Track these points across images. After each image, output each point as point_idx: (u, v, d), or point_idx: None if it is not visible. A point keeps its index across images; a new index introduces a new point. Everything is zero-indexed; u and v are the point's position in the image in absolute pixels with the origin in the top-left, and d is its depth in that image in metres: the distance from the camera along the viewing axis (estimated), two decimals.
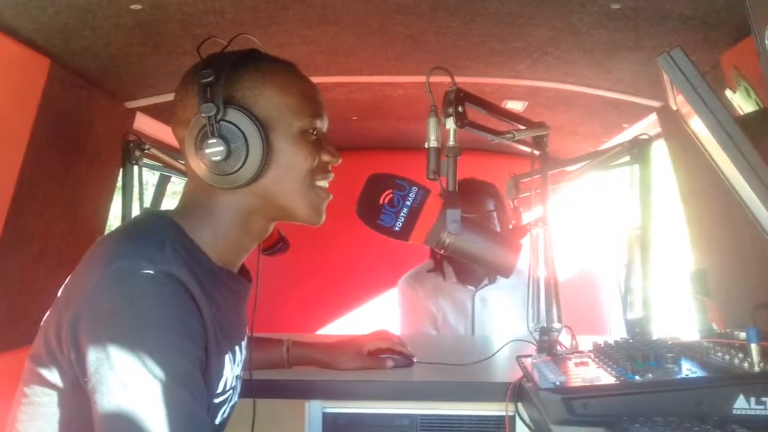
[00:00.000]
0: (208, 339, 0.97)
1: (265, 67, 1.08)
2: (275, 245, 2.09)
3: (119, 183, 2.08)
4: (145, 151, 1.89)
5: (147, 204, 2.09)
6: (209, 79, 1.00)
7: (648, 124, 2.18)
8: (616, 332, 2.86)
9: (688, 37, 1.45)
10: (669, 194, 2.05)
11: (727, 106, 1.23)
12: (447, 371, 1.58)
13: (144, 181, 1.97)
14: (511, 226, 2.35)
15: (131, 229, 1.03)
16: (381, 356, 1.59)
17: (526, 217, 1.83)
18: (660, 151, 2.06)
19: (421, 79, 2.08)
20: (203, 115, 1.00)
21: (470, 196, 2.42)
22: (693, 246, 1.96)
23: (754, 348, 1.09)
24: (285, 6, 1.47)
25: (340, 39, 1.72)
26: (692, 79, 0.88)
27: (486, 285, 2.45)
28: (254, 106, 1.04)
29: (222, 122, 1.01)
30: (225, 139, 1.00)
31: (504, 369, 1.66)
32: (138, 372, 0.86)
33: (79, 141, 1.86)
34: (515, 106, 2.29)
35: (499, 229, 2.43)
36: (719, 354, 1.20)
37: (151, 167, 1.98)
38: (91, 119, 1.91)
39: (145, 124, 2.19)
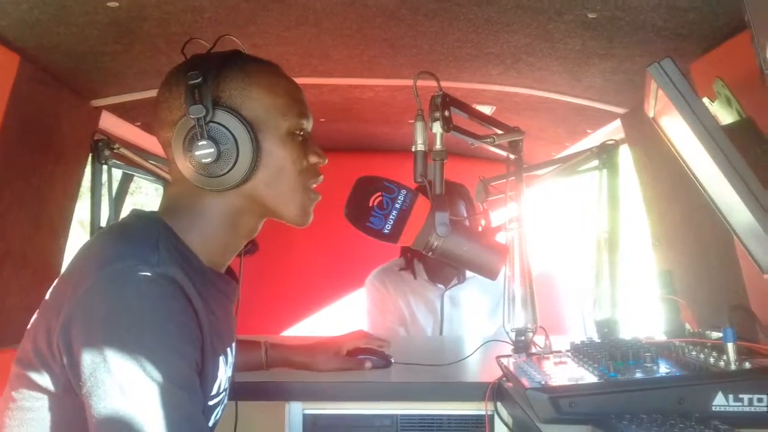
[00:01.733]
0: (204, 341, 0.96)
1: (250, 68, 1.07)
2: (244, 247, 2.08)
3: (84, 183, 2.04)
4: (114, 151, 1.85)
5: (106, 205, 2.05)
6: (197, 81, 0.99)
7: (611, 130, 2.24)
8: (574, 333, 2.93)
9: (659, 47, 1.50)
10: (632, 198, 2.11)
11: None
12: (425, 372, 1.60)
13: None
14: (480, 228, 2.40)
15: (123, 230, 1.01)
16: (359, 357, 1.60)
17: (495, 220, 1.87)
18: (622, 157, 2.11)
19: (393, 82, 2.11)
20: (192, 116, 0.99)
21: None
22: (655, 248, 2.02)
23: (730, 347, 1.13)
24: (265, 6, 1.46)
25: (317, 41, 1.72)
26: (681, 88, 0.92)
27: (456, 284, 2.47)
28: (242, 107, 1.03)
29: (211, 124, 1.00)
30: (215, 141, 0.99)
31: (480, 368, 1.69)
32: (136, 375, 0.84)
33: (45, 139, 1.82)
34: (483, 110, 2.32)
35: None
36: (693, 353, 1.24)
37: (119, 167, 1.94)
38: (58, 117, 1.86)
39: (110, 123, 2.15)
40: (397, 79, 2.01)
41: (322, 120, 2.63)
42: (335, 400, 1.50)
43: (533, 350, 1.53)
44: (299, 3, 1.45)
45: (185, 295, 0.92)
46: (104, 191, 1.99)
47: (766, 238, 0.89)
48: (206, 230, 1.04)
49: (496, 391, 1.43)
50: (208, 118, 0.99)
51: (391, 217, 1.15)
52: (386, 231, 1.15)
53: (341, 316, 3.02)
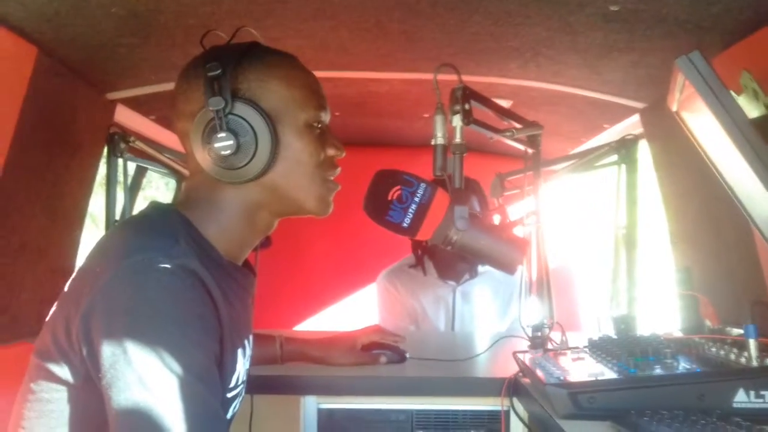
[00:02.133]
0: (223, 333, 0.96)
1: (269, 60, 1.07)
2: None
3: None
4: (130, 144, 1.85)
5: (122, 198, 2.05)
6: (216, 72, 0.99)
7: (628, 125, 2.22)
8: (588, 328, 2.91)
9: (681, 41, 1.48)
10: (651, 194, 2.09)
11: None
12: (440, 367, 1.60)
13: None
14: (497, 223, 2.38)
15: (143, 222, 1.01)
16: (374, 352, 1.59)
17: (511, 215, 1.86)
18: (641, 152, 2.10)
19: (410, 75, 2.10)
20: (211, 108, 0.98)
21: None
22: (674, 245, 2.00)
23: (752, 343, 1.12)
24: None
25: (334, 34, 1.71)
26: (710, 81, 0.90)
27: (467, 280, 2.46)
28: (261, 99, 1.03)
29: (230, 116, 1.00)
30: (234, 133, 0.99)
31: (496, 364, 1.68)
32: (156, 367, 0.84)
33: (61, 132, 1.82)
34: (500, 104, 2.30)
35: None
36: (713, 350, 1.23)
37: (134, 160, 1.94)
38: (74, 110, 1.86)
39: (125, 116, 2.15)
40: (414, 72, 1.99)
41: (338, 114, 2.62)
42: (350, 395, 1.50)
43: (549, 346, 1.52)
44: None
45: (205, 287, 0.92)
46: (120, 186, 1.99)
47: None
48: (224, 223, 1.04)
49: (513, 387, 1.42)
50: (227, 110, 0.99)
51: (410, 210, 1.14)
52: (405, 225, 1.15)
53: (355, 311, 3.02)
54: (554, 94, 2.09)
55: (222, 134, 0.99)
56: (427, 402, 1.51)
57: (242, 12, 1.51)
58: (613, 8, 1.38)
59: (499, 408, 1.44)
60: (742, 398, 1.07)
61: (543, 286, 1.59)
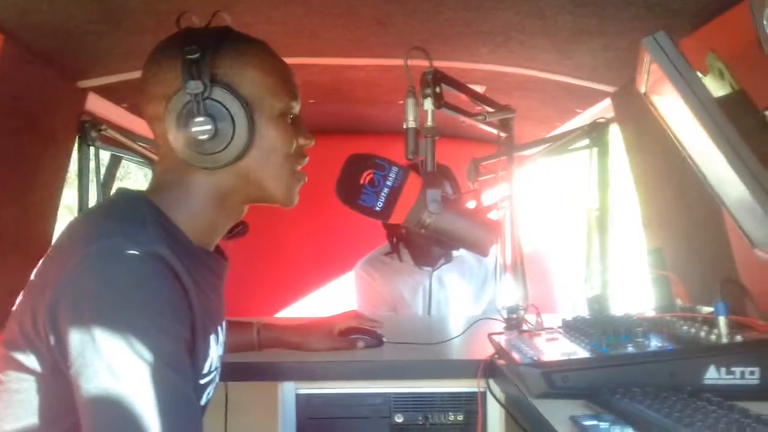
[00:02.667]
0: (194, 319, 0.95)
1: (244, 47, 1.06)
2: (234, 229, 2.06)
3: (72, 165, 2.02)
4: (102, 133, 1.83)
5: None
6: (195, 56, 0.97)
7: (600, 109, 2.24)
8: (564, 310, 2.94)
9: (650, 23, 1.50)
10: (622, 177, 2.12)
11: None
12: (417, 350, 1.60)
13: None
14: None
15: (109, 208, 1.00)
16: (351, 336, 1.60)
17: (487, 200, 1.87)
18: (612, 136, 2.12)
19: (384, 62, 2.09)
20: (189, 92, 0.97)
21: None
22: (646, 226, 2.03)
23: (722, 321, 1.14)
24: None
25: (306, 20, 1.70)
26: (676, 61, 0.92)
27: (442, 264, 2.48)
28: (237, 85, 1.01)
29: (208, 101, 0.99)
30: (212, 118, 0.98)
31: (472, 347, 1.69)
32: (125, 354, 0.83)
33: (31, 121, 1.79)
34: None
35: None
36: (684, 328, 1.25)
37: (106, 149, 1.92)
38: (44, 99, 1.84)
39: (97, 104, 2.12)
40: (388, 58, 1.99)
41: (312, 101, 2.61)
42: (328, 380, 1.50)
43: (525, 328, 1.54)
44: None
45: (174, 273, 0.91)
46: (92, 175, 1.97)
47: (761, 212, 0.89)
48: (194, 208, 1.03)
49: (488, 369, 1.43)
50: (205, 95, 0.98)
51: (382, 194, 1.15)
52: (378, 208, 1.15)
53: (334, 297, 3.02)
54: (527, 79, 2.10)
55: (200, 118, 0.98)
56: (404, 385, 1.51)
57: None
58: None
59: (476, 389, 1.45)
60: (713, 375, 1.09)
61: (517, 268, 1.60)
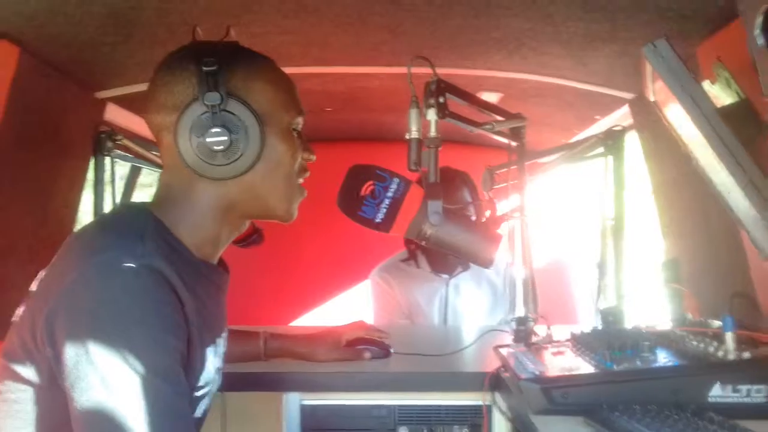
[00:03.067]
0: (190, 333, 0.95)
1: (255, 61, 1.07)
2: (249, 237, 2.07)
3: (90, 175, 2.05)
4: (117, 143, 1.85)
5: (119, 197, 2.06)
6: (212, 68, 0.98)
7: (619, 116, 2.20)
8: (585, 321, 2.89)
9: (663, 29, 1.46)
10: (641, 186, 2.07)
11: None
12: (424, 362, 1.59)
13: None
14: (485, 218, 2.38)
15: (109, 221, 1.01)
16: (358, 347, 1.59)
17: (501, 209, 1.85)
18: (631, 143, 2.08)
19: (397, 70, 2.08)
20: (207, 103, 0.98)
21: (444, 184, 2.43)
22: (664, 236, 1.99)
23: (729, 336, 1.11)
24: None
25: (317, 29, 1.70)
26: (676, 69, 0.89)
27: (460, 272, 2.46)
28: (249, 98, 1.02)
29: (224, 112, 0.99)
30: (228, 129, 0.99)
31: (480, 359, 1.67)
32: (119, 368, 0.84)
33: (48, 132, 1.82)
34: (489, 97, 2.29)
35: (474, 219, 2.45)
36: (694, 342, 1.22)
37: (123, 159, 1.94)
38: (61, 110, 1.87)
39: (115, 114, 2.15)
40: (401, 66, 1.98)
41: (329, 109, 2.62)
42: (333, 391, 1.50)
43: (533, 340, 1.51)
44: None
45: (170, 286, 0.92)
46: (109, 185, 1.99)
47: (763, 222, 0.86)
48: (197, 221, 1.04)
49: (494, 382, 1.41)
50: (222, 107, 0.99)
51: (383, 205, 1.14)
52: (378, 220, 1.14)
53: (349, 306, 3.01)
54: (543, 85, 2.08)
55: (216, 129, 0.98)
56: (410, 397, 1.50)
57: (220, 9, 1.51)
58: None
59: (482, 403, 1.43)
60: (717, 392, 1.06)
61: (528, 280, 1.58)
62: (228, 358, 1.42)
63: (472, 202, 2.39)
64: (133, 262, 0.88)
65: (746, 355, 1.09)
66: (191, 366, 0.97)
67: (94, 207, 1.87)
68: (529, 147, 2.82)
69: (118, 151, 1.89)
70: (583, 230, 3.13)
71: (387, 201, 1.14)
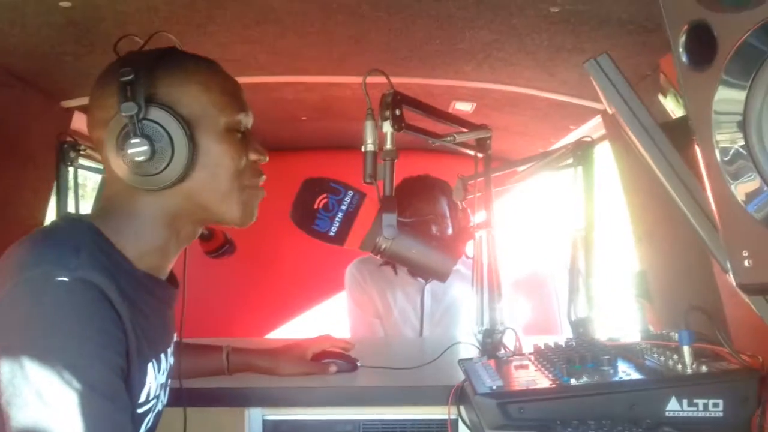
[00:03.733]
0: (129, 347, 0.93)
1: (186, 64, 1.05)
2: (221, 247, 2.05)
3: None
4: (81, 152, 1.83)
5: (89, 206, 2.04)
6: (129, 78, 0.96)
7: (593, 126, 2.20)
8: (567, 331, 2.88)
9: (627, 41, 1.46)
10: (614, 196, 2.07)
11: (662, 111, 1.25)
12: (391, 375, 1.57)
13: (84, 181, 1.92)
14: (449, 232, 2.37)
15: (45, 234, 0.98)
16: (324, 361, 1.57)
17: (476, 218, 1.84)
18: (606, 153, 2.08)
19: (368, 79, 2.07)
20: (124, 114, 0.96)
21: (424, 192, 2.43)
22: (637, 246, 1.98)
23: (686, 350, 1.10)
24: (221, 5, 1.43)
25: (283, 39, 1.68)
26: (618, 85, 0.88)
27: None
28: (177, 103, 1.01)
29: (144, 121, 0.97)
30: (149, 139, 0.97)
31: (447, 372, 1.65)
32: (55, 383, 0.82)
33: (12, 142, 1.80)
34: (464, 107, 2.28)
35: (451, 228, 2.44)
36: (654, 356, 1.21)
37: (88, 168, 1.92)
38: (26, 119, 1.84)
39: (83, 123, 2.13)
40: (372, 76, 1.97)
41: (304, 118, 2.60)
42: (297, 406, 1.48)
43: (501, 353, 1.50)
44: (256, 2, 1.42)
45: (107, 299, 0.90)
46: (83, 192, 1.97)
47: (707, 238, 0.85)
48: (141, 232, 1.02)
49: (460, 395, 1.40)
50: (141, 116, 0.97)
51: (336, 219, 1.12)
52: (332, 233, 1.13)
53: (326, 317, 2.99)
54: (515, 95, 2.07)
55: (135, 140, 0.97)
56: (376, 412, 1.48)
57: (182, 19, 1.49)
58: (554, 9, 1.36)
59: (447, 417, 1.41)
60: (674, 407, 1.05)
61: (494, 292, 1.57)
62: (190, 373, 1.41)
63: (435, 215, 2.38)
64: (66, 276, 0.86)
65: (703, 368, 1.08)
66: (131, 381, 0.95)
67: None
68: (506, 156, 2.85)
69: (83, 161, 1.87)
70: (559, 240, 3.13)
71: (341, 214, 1.12)
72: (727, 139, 0.60)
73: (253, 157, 1.09)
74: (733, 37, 0.58)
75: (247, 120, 1.10)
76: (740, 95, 0.57)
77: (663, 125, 0.89)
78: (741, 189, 0.60)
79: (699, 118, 0.62)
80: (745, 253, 0.60)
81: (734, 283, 0.65)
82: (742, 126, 0.57)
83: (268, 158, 1.11)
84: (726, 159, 0.60)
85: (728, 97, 0.58)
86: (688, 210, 0.83)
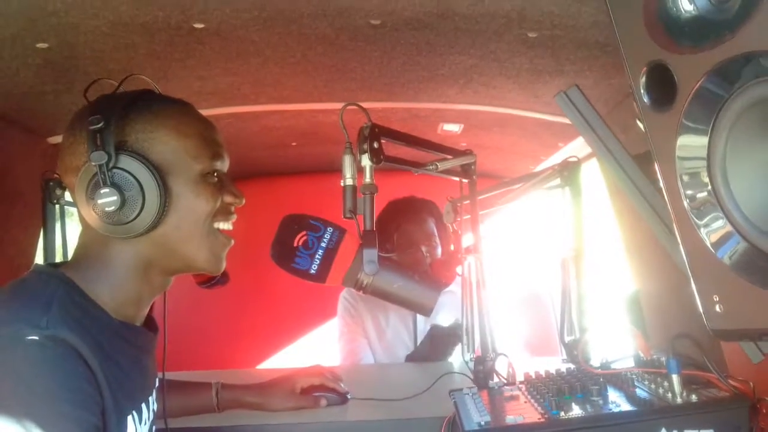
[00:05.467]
0: (105, 403, 0.91)
1: (158, 109, 1.03)
2: (213, 278, 2.03)
3: None
4: (67, 189, 1.82)
5: (72, 243, 2.02)
6: (99, 125, 0.95)
7: (582, 143, 2.18)
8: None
9: (606, 62, 1.46)
10: (603, 215, 2.05)
11: (640, 134, 1.23)
12: (382, 407, 1.55)
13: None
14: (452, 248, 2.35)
15: (15, 289, 0.96)
16: (315, 394, 1.55)
17: (466, 241, 1.82)
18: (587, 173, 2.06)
19: (351, 107, 2.06)
20: (93, 163, 0.95)
21: (411, 214, 2.41)
22: (630, 264, 1.96)
23: (675, 379, 1.08)
24: (200, 40, 1.43)
25: (265, 70, 1.68)
26: (588, 116, 0.87)
27: None
28: (149, 150, 0.99)
29: (115, 170, 0.96)
30: (118, 188, 0.95)
31: (439, 402, 1.62)
32: None
33: None
34: (452, 128, 2.28)
35: (440, 249, 2.43)
36: (645, 383, 1.19)
37: (74, 205, 1.91)
38: (10, 158, 1.84)
39: None
40: (354, 103, 1.97)
41: (294, 144, 2.60)
42: None
43: (493, 381, 1.47)
44: (234, 36, 1.42)
45: (79, 356, 0.88)
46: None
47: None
48: (115, 281, 1.00)
49: (452, 427, 1.37)
50: (110, 164, 0.95)
51: (317, 256, 1.11)
52: (313, 271, 1.11)
53: (319, 344, 2.97)
54: (502, 116, 2.07)
55: (105, 190, 0.95)
56: None
57: (161, 54, 1.49)
58: (532, 35, 1.36)
59: None
60: None
61: (484, 318, 1.55)
62: (180, 412, 1.39)
63: (424, 235, 2.37)
64: (37, 335, 0.85)
65: (693, 397, 1.06)
66: None
67: (44, 256, 1.84)
68: (497, 174, 2.83)
69: (69, 198, 1.86)
70: (551, 260, 3.10)
71: (321, 251, 1.11)
72: (692, 184, 0.59)
73: (228, 199, 1.08)
74: (691, 79, 0.57)
75: (223, 165, 1.08)
76: (702, 140, 0.56)
77: (639, 156, 0.87)
78: (710, 235, 0.59)
79: (663, 162, 0.60)
80: (716, 298, 0.59)
81: (707, 327, 0.64)
82: (707, 171, 0.56)
83: (244, 201, 1.10)
84: (693, 204, 0.59)
85: (690, 143, 0.57)
86: (665, 243, 0.82)
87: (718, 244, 0.59)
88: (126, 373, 0.99)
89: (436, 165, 1.39)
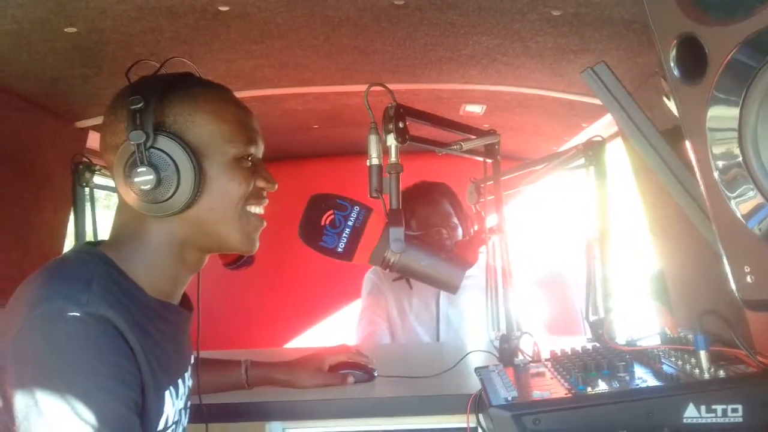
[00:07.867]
0: (143, 378, 0.94)
1: (197, 93, 1.06)
2: (239, 259, 2.06)
3: None
4: (96, 172, 1.85)
5: (102, 225, 2.05)
6: (139, 105, 0.97)
7: (606, 123, 2.17)
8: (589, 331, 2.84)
9: (632, 41, 1.45)
10: (629, 195, 2.05)
11: (666, 112, 1.23)
12: (409, 384, 1.57)
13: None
14: (474, 229, 2.36)
15: (57, 268, 0.99)
16: (342, 372, 1.57)
17: (489, 222, 1.82)
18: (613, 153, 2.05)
19: (375, 87, 2.07)
20: (132, 142, 0.97)
21: (424, 196, 2.42)
22: (653, 245, 1.96)
23: (703, 355, 1.08)
24: (225, 23, 1.44)
25: (289, 52, 1.69)
26: (615, 92, 0.87)
27: None
28: (186, 132, 1.02)
29: (152, 149, 0.98)
30: (155, 167, 0.98)
31: (465, 379, 1.64)
32: (67, 418, 0.84)
33: (27, 165, 1.82)
34: (474, 109, 2.28)
35: (461, 229, 2.43)
36: (672, 359, 1.19)
37: (104, 188, 1.94)
38: (40, 142, 1.87)
39: (98, 142, 2.15)
40: (377, 84, 1.97)
41: (316, 127, 2.61)
42: (317, 418, 1.48)
43: (519, 359, 1.49)
44: (258, 18, 1.42)
45: (119, 333, 0.91)
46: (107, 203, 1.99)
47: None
48: (151, 259, 1.03)
49: (478, 404, 1.39)
50: (148, 144, 0.98)
51: (344, 235, 1.12)
52: (340, 249, 1.13)
53: (345, 324, 3.00)
54: (525, 96, 2.06)
55: (142, 168, 0.98)
56: (395, 422, 1.48)
57: (187, 38, 1.50)
58: (556, 13, 1.35)
59: (467, 425, 1.41)
60: (692, 413, 1.03)
61: (509, 297, 1.56)
62: (210, 389, 1.42)
63: (440, 216, 2.37)
64: (78, 311, 0.88)
65: (721, 373, 1.07)
66: (147, 412, 0.96)
67: (76, 238, 1.87)
68: (520, 155, 2.83)
69: (99, 180, 1.89)
70: (576, 239, 3.10)
71: (348, 230, 1.12)
72: (723, 155, 0.59)
73: (260, 184, 1.10)
74: (722, 50, 0.57)
75: (258, 151, 1.11)
76: (734, 111, 0.56)
77: (666, 132, 0.87)
78: (741, 206, 0.59)
79: (694, 135, 0.61)
80: (747, 269, 0.59)
81: (738, 298, 0.64)
82: (738, 142, 0.57)
83: (276, 187, 1.12)
84: (724, 176, 0.60)
85: (721, 114, 0.58)
86: (695, 218, 0.82)
87: (749, 215, 0.60)
88: (163, 349, 1.01)
89: (461, 145, 1.39)
